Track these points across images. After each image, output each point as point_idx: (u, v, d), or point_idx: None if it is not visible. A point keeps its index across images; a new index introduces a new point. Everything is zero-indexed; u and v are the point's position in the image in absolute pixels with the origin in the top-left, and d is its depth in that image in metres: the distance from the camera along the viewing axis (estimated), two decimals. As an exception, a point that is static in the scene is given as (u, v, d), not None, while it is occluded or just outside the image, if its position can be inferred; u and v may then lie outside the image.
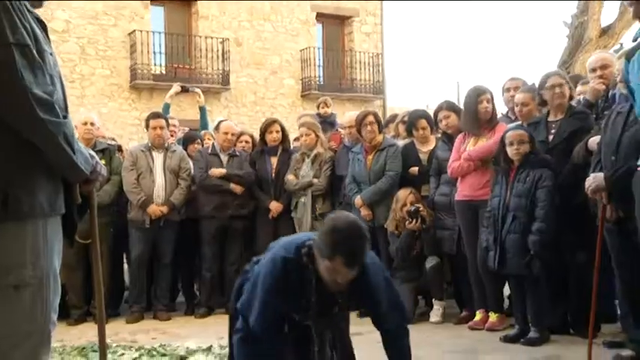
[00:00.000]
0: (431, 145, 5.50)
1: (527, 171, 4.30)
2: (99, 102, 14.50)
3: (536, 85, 4.70)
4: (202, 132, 6.95)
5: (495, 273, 4.50)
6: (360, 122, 5.55)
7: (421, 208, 5.08)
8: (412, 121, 5.57)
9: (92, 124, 5.63)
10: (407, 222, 5.08)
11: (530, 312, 4.36)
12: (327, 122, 7.30)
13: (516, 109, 4.84)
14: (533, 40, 56.84)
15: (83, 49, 14.57)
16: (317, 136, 5.91)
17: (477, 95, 4.85)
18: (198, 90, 7.53)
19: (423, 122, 5.49)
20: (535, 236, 4.19)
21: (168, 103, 7.09)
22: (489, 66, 50.54)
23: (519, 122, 4.79)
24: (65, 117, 1.84)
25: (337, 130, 6.83)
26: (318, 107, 7.86)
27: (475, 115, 4.83)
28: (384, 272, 2.83)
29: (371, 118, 5.53)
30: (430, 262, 5.13)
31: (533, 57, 49.01)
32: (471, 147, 4.85)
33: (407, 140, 5.77)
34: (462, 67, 50.30)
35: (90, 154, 2.02)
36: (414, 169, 5.47)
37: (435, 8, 57.25)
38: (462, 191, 4.88)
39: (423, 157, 5.50)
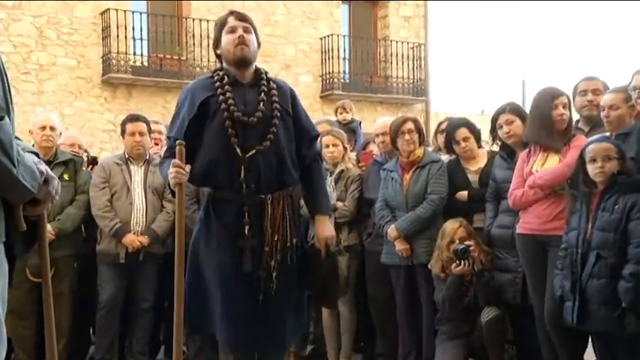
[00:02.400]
0: (480, 162, 5.50)
1: (615, 196, 4.23)
2: (61, 100, 14.64)
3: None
4: None
5: (574, 330, 4.43)
6: (396, 130, 5.54)
7: (472, 247, 5.04)
8: (449, 131, 5.61)
9: (52, 128, 5.66)
10: (453, 265, 5.06)
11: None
12: (349, 130, 7.41)
13: (602, 113, 4.79)
14: (622, 29, 56.37)
15: (41, 31, 14.63)
16: (344, 148, 5.92)
17: (552, 98, 4.81)
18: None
19: (463, 131, 5.48)
20: (628, 283, 4.09)
21: None
22: (565, 61, 50.28)
23: (605, 133, 4.72)
24: (2, 118, 1.82)
25: (368, 143, 6.81)
26: (336, 113, 8.12)
27: (549, 123, 4.78)
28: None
29: (410, 125, 5.52)
30: (487, 314, 5.06)
31: (621, 51, 48.57)
32: (538, 167, 4.80)
33: (450, 156, 5.76)
34: (528, 61, 50.00)
35: (39, 168, 2.01)
36: (463, 194, 5.44)
37: (494, -14, 57.33)
38: (526, 223, 4.83)
39: (473, 177, 5.48)
